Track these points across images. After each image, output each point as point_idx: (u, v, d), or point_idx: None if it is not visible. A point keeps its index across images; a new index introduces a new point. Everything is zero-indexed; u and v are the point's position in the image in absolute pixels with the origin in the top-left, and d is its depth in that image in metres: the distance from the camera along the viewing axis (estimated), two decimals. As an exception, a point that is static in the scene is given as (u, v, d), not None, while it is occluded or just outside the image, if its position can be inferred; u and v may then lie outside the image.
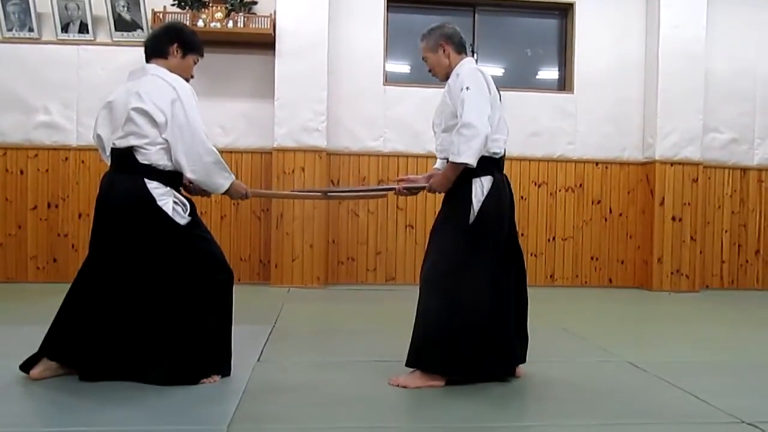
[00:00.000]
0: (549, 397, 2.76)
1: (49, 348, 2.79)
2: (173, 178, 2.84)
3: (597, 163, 6.81)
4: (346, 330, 4.20)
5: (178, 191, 2.89)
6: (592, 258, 6.81)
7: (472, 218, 2.83)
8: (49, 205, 6.23)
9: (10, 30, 6.15)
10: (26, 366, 2.79)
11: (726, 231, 6.92)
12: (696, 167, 6.64)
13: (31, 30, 6.16)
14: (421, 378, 2.84)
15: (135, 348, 2.74)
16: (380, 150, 6.53)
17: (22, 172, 6.20)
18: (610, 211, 6.83)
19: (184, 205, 2.87)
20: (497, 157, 2.91)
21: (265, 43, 6.24)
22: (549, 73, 7.13)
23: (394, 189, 3.08)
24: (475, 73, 2.88)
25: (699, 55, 6.60)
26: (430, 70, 3.09)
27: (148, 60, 2.95)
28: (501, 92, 3.03)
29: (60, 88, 6.22)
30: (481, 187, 2.84)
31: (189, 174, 2.81)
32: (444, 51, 3.00)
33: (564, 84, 6.95)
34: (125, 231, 2.77)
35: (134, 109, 2.74)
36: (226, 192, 2.97)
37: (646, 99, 6.78)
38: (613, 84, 6.79)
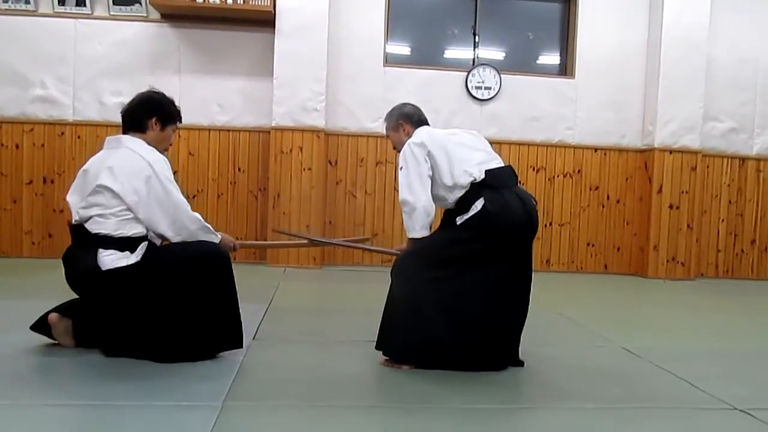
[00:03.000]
0: (544, 381, 2.77)
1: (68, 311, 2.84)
2: (129, 243, 2.75)
3: (596, 150, 6.80)
4: (342, 310, 4.20)
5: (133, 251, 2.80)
6: (588, 244, 6.82)
7: (458, 222, 2.84)
8: (44, 180, 6.20)
9: (6, 1, 6.08)
10: (41, 321, 2.84)
11: (723, 220, 6.93)
12: (695, 156, 6.63)
13: (27, 2, 6.09)
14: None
15: (145, 339, 2.74)
16: (379, 131, 6.47)
17: (17, 147, 6.16)
18: (608, 198, 6.83)
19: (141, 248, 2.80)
20: (479, 179, 2.84)
21: (264, 21, 6.18)
22: (550, 58, 7.09)
23: (378, 251, 3.62)
24: (405, 149, 2.94)
25: (701, 42, 6.57)
26: (394, 148, 3.19)
27: (125, 131, 2.90)
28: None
29: (56, 62, 6.16)
30: (475, 209, 2.82)
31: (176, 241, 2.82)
32: (404, 129, 3.12)
33: (565, 69, 6.91)
34: (101, 296, 2.76)
35: (102, 186, 2.71)
36: None
37: (647, 86, 6.75)
38: (615, 70, 6.76)
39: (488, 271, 2.80)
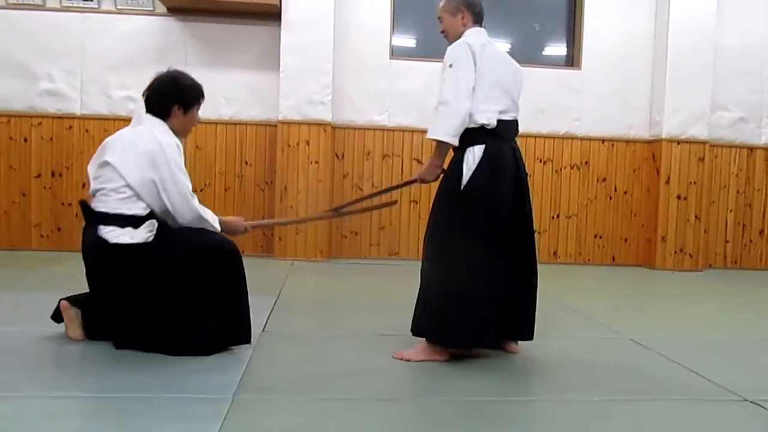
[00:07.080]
0: (552, 373, 2.77)
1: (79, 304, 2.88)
2: (129, 221, 2.77)
3: (603, 141, 6.77)
4: (350, 303, 4.21)
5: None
6: (595, 236, 6.80)
7: (462, 186, 2.82)
8: (53, 174, 6.22)
9: (13, -4, 6.10)
10: (58, 310, 2.90)
11: (731, 210, 6.90)
12: (703, 146, 6.59)
13: (34, -4, 6.10)
14: (424, 352, 2.84)
15: (153, 329, 2.75)
16: (385, 124, 6.49)
17: (26, 140, 6.19)
18: (615, 189, 6.80)
19: (150, 225, 2.81)
20: (490, 127, 2.83)
21: (270, 14, 6.17)
22: (556, 49, 7.05)
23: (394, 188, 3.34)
24: (461, 48, 2.82)
25: (709, 31, 6.51)
26: (443, 31, 3.05)
27: (148, 111, 2.90)
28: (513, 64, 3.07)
29: (64, 56, 6.18)
30: (473, 156, 2.81)
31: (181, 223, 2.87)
32: (463, 18, 3.00)
33: (572, 60, 6.87)
34: (106, 270, 2.78)
35: (106, 161, 2.78)
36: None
37: (655, 75, 6.71)
38: (622, 60, 6.71)
39: (502, 241, 2.82)
